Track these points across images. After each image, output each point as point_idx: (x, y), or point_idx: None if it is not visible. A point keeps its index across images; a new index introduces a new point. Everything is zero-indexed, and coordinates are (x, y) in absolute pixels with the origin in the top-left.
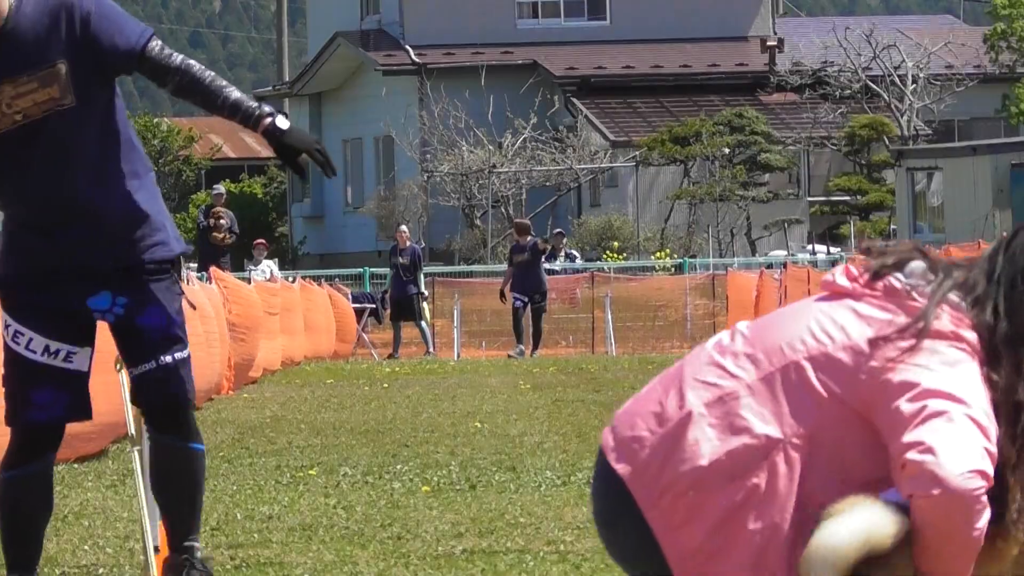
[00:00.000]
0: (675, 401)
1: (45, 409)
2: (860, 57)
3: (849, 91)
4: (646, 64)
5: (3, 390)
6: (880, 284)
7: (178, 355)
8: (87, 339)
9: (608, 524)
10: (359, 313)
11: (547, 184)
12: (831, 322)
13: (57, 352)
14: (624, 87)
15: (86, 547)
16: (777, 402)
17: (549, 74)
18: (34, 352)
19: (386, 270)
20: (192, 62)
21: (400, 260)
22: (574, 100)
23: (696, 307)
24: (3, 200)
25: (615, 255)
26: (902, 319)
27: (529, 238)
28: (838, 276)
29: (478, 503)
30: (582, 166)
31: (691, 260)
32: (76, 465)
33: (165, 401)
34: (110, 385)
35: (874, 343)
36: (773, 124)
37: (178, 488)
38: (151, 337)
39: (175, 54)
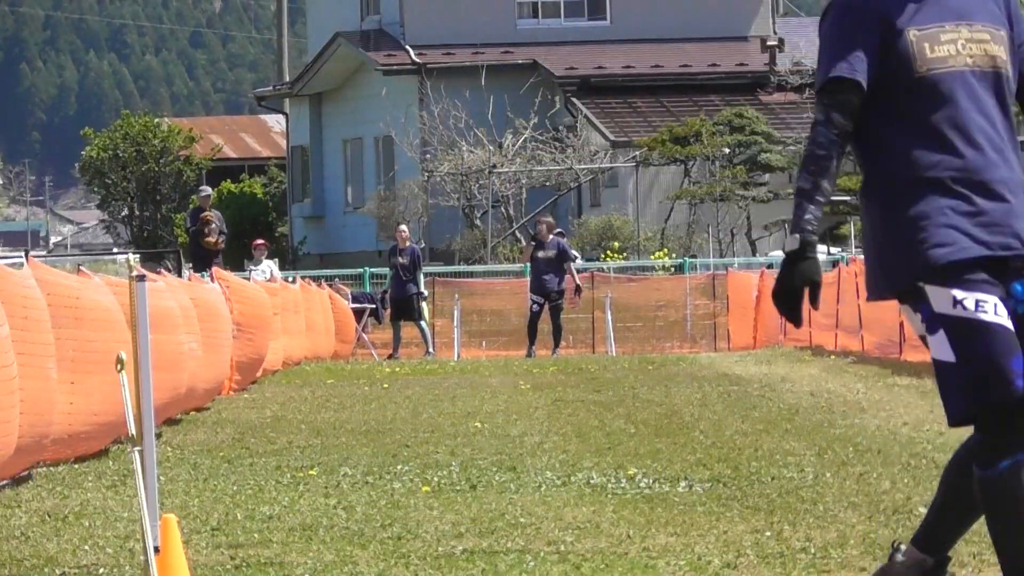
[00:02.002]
0: None
1: (1021, 376)
2: None
3: None
4: (646, 64)
5: (960, 374)
6: None
7: None
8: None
9: None
10: (359, 313)
11: (547, 184)
12: None
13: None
14: (624, 87)
15: (86, 547)
16: None
17: (549, 74)
18: (999, 316)
19: (386, 270)
20: None
21: (400, 260)
22: (574, 100)
23: (696, 307)
24: (926, 151)
25: (615, 255)
26: None
27: (552, 237)
28: None
29: (478, 503)
30: (582, 166)
31: (691, 260)
32: (76, 465)
33: None
34: (110, 385)
35: None
36: (773, 124)
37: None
38: None
39: None
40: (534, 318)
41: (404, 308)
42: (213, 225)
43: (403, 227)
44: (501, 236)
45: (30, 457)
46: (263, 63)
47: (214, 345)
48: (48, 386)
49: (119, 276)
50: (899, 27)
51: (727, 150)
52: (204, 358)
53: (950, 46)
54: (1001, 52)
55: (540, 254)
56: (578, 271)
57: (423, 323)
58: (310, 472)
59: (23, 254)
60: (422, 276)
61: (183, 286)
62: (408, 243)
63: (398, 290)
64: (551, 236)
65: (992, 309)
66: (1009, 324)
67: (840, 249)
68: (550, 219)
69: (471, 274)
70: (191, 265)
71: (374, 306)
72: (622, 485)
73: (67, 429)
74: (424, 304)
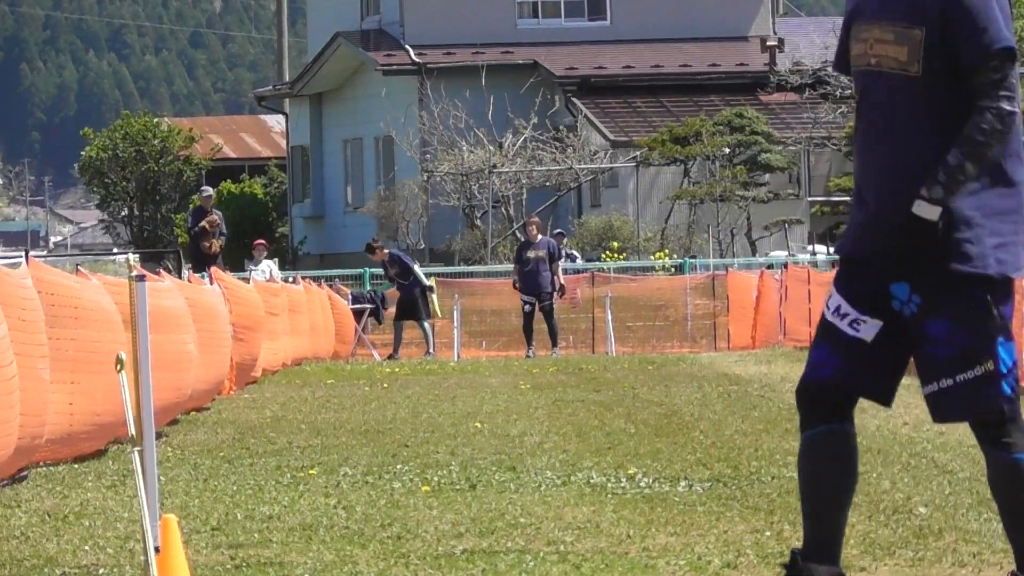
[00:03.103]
0: None
1: (816, 368)
2: None
3: (849, 91)
4: (646, 64)
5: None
6: None
7: (971, 375)
8: (880, 313)
9: None
10: (359, 314)
11: (547, 184)
12: None
13: (846, 315)
14: (624, 87)
15: (86, 547)
16: None
17: (549, 74)
18: (827, 309)
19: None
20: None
21: (390, 271)
22: (574, 100)
23: (696, 307)
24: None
25: (615, 255)
26: None
27: (541, 237)
28: None
29: (478, 503)
30: (582, 166)
31: (691, 260)
32: (76, 465)
33: (975, 419)
34: (110, 385)
35: None
36: (773, 124)
37: (1013, 503)
38: (936, 351)
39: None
40: (527, 318)
41: (410, 308)
42: (215, 227)
43: (378, 242)
44: (501, 236)
45: (24, 458)
46: (263, 63)
47: (213, 345)
48: (41, 387)
49: (119, 276)
50: (850, 23)
51: (727, 150)
52: (203, 358)
53: (862, 45)
54: (901, 54)
55: (531, 253)
56: (578, 271)
57: (426, 324)
58: (310, 472)
59: (23, 254)
60: (420, 272)
61: (183, 287)
62: (386, 252)
63: (403, 292)
64: (540, 236)
65: (833, 306)
66: (838, 322)
67: None
68: (538, 219)
69: (471, 274)
70: (191, 265)
71: (374, 306)
72: (622, 485)
73: (67, 429)
74: (434, 297)
